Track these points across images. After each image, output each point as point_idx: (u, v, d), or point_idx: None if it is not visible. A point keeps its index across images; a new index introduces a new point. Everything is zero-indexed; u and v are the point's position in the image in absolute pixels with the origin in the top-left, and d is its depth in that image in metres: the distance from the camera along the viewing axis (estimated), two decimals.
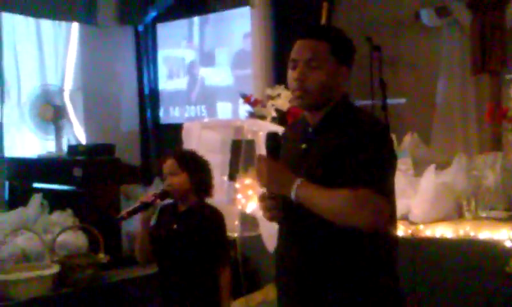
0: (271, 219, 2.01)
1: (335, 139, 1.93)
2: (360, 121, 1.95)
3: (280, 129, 4.24)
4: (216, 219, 2.99)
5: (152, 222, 3.06)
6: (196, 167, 3.02)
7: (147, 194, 3.04)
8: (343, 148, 1.89)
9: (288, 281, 2.05)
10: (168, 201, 3.06)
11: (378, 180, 1.85)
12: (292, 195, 1.87)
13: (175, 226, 2.98)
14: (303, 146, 2.02)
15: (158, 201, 2.97)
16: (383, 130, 1.94)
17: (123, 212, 2.93)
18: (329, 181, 1.87)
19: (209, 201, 3.11)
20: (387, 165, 1.92)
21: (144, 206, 2.92)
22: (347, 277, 1.92)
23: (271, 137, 1.96)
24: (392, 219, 1.97)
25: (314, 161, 1.94)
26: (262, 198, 1.99)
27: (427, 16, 5.55)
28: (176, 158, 3.01)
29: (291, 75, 2.00)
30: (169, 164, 3.00)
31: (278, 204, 1.94)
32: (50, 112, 6.01)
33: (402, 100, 5.69)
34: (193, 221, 2.95)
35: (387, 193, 1.88)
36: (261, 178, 1.94)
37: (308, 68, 1.96)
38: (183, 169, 2.97)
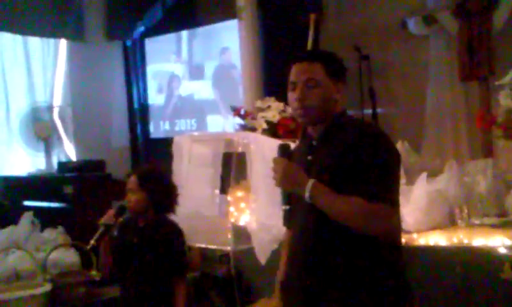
0: None
1: (338, 146, 2.08)
2: (361, 129, 2.12)
3: (271, 140, 4.25)
4: (173, 233, 3.17)
5: (114, 233, 3.22)
6: (156, 187, 3.15)
7: (107, 214, 3.13)
8: (346, 153, 2.04)
9: (295, 278, 2.16)
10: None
11: (388, 193, 2.02)
12: (307, 194, 2.02)
13: (135, 240, 3.13)
14: (309, 157, 2.17)
15: (119, 219, 3.14)
16: (385, 138, 2.08)
17: (92, 241, 3.07)
18: (337, 186, 2.02)
19: (179, 213, 3.28)
20: (394, 176, 2.08)
21: (109, 228, 3.09)
22: (355, 277, 2.03)
23: (283, 147, 2.17)
24: (398, 225, 2.16)
25: (321, 167, 2.09)
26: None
27: (414, 25, 5.59)
28: (137, 176, 3.14)
29: (291, 96, 2.18)
30: (130, 181, 3.14)
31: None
32: (48, 129, 6.00)
33: (392, 109, 5.72)
34: (152, 235, 3.11)
35: (395, 204, 2.06)
36: (277, 178, 2.11)
37: (306, 88, 2.14)
38: (142, 187, 3.11)
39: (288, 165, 2.09)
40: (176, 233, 3.18)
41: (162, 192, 3.17)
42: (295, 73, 2.17)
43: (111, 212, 3.12)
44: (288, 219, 2.17)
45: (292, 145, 2.36)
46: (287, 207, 2.14)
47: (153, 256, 3.08)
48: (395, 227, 2.08)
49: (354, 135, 2.07)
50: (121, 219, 3.14)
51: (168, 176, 3.34)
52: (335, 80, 2.17)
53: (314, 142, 2.20)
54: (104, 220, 3.10)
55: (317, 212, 2.04)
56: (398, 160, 2.11)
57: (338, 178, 2.03)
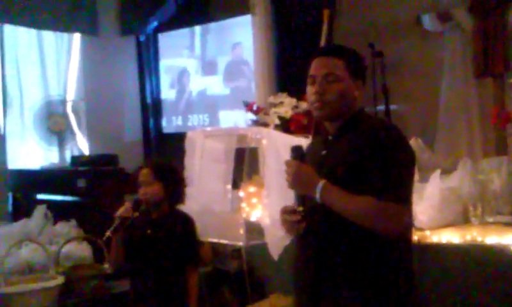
0: (290, 231, 2.16)
1: (353, 141, 2.08)
2: (377, 126, 2.11)
3: (284, 136, 4.25)
4: (187, 224, 3.20)
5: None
6: (171, 178, 3.19)
7: (124, 207, 3.13)
8: (361, 148, 2.03)
9: (305, 277, 2.15)
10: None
11: (400, 191, 2.00)
12: (317, 195, 2.03)
13: (149, 232, 3.14)
14: (323, 152, 2.18)
15: (135, 213, 3.13)
16: (400, 136, 2.07)
17: (108, 232, 3.06)
18: (349, 181, 2.01)
19: (191, 208, 3.32)
20: (407, 174, 2.06)
21: (125, 221, 3.09)
22: (364, 275, 2.03)
23: (296, 148, 2.14)
24: (410, 223, 2.14)
25: (334, 161, 2.09)
26: (285, 212, 2.15)
27: (428, 22, 5.55)
28: (151, 168, 3.16)
29: (310, 89, 2.17)
30: (144, 174, 3.16)
31: (300, 219, 2.09)
32: (62, 123, 6.04)
33: (405, 106, 5.69)
34: (167, 227, 3.14)
35: (407, 202, 2.03)
36: (289, 180, 2.11)
37: (326, 83, 2.14)
38: (158, 179, 3.13)
39: (300, 168, 2.08)
40: (190, 223, 3.21)
41: (177, 183, 3.21)
42: (315, 67, 2.17)
43: (128, 205, 3.12)
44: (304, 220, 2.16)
45: (304, 142, 2.36)
46: (302, 209, 2.12)
47: (167, 247, 3.10)
48: (405, 225, 2.07)
49: (368, 132, 2.06)
50: (137, 213, 3.14)
51: (178, 167, 3.41)
52: (355, 77, 2.17)
53: (330, 138, 2.20)
54: (120, 212, 3.09)
55: (327, 210, 2.04)
56: (412, 158, 2.11)
57: (350, 173, 2.03)
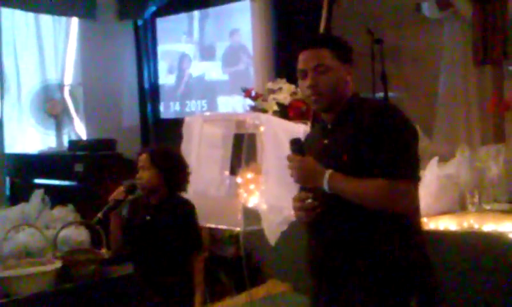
0: (304, 219, 2.14)
1: (355, 127, 2.09)
2: (376, 107, 2.12)
3: (283, 122, 4.24)
4: (186, 209, 3.18)
5: (123, 212, 3.25)
6: (167, 164, 3.17)
7: (117, 190, 3.16)
8: (364, 132, 2.04)
9: (322, 263, 2.17)
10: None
11: (407, 168, 2.03)
12: (325, 186, 2.04)
13: (148, 218, 3.15)
14: (325, 141, 2.19)
15: (128, 196, 3.16)
16: (399, 113, 2.09)
17: (99, 214, 3.12)
18: (356, 166, 2.03)
19: (194, 193, 3.33)
20: (412, 150, 2.08)
21: (117, 204, 3.13)
22: (380, 254, 2.05)
23: (294, 141, 2.14)
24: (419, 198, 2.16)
25: (338, 149, 2.10)
26: (298, 198, 2.14)
27: (428, 9, 5.53)
28: (149, 154, 3.17)
29: (303, 84, 2.19)
30: (142, 159, 3.17)
31: (316, 205, 2.09)
32: (59, 108, 6.03)
33: (404, 93, 5.68)
34: (165, 213, 3.13)
35: (415, 177, 2.08)
36: (294, 176, 2.11)
37: (317, 74, 2.14)
38: (154, 164, 3.13)
39: (303, 162, 2.10)
40: (191, 209, 3.21)
41: (174, 169, 3.19)
42: (303, 60, 2.18)
43: (121, 189, 3.14)
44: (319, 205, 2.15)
45: (303, 128, 2.35)
46: (310, 200, 2.12)
47: (167, 233, 3.10)
48: (415, 202, 2.10)
49: (370, 114, 2.07)
50: (130, 197, 3.15)
51: (179, 154, 3.40)
52: (344, 63, 2.18)
53: (329, 126, 2.20)
54: (113, 195, 3.12)
55: (336, 197, 2.05)
56: (415, 135, 2.13)
57: (357, 158, 2.04)
